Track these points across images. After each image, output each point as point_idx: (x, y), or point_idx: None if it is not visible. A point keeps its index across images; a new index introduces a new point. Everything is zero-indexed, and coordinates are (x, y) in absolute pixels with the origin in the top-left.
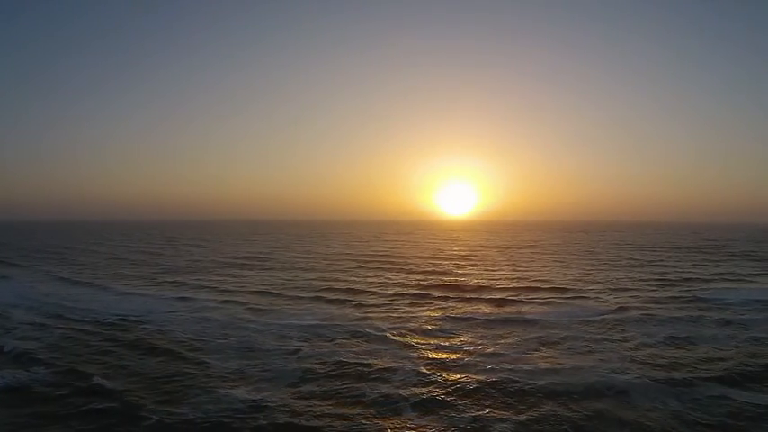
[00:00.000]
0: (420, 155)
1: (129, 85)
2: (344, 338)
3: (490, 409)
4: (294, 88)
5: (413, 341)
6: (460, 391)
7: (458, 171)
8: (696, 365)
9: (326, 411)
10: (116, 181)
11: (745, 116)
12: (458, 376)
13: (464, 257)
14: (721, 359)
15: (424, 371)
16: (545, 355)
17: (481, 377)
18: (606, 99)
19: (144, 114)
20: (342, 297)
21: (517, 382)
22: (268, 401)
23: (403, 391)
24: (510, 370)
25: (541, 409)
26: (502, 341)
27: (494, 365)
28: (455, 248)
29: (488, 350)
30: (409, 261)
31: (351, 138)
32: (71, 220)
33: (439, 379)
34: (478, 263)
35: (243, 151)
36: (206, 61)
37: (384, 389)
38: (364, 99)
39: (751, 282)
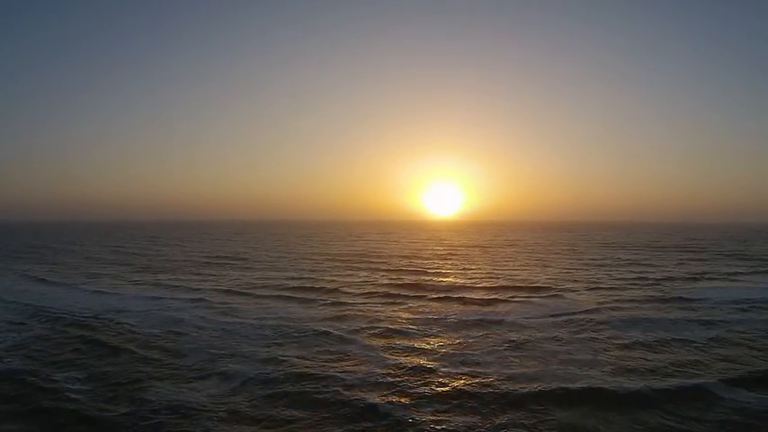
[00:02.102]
0: (406, 155)
1: (119, 86)
2: (313, 338)
3: (458, 415)
4: (283, 89)
5: (383, 342)
6: (428, 395)
7: (444, 172)
8: (676, 367)
9: (289, 414)
10: (105, 181)
11: (732, 117)
12: (427, 379)
13: (444, 257)
14: (702, 361)
15: (392, 373)
16: (518, 356)
17: (451, 380)
18: (593, 100)
19: (133, 114)
20: (315, 296)
21: (488, 385)
22: (230, 403)
23: (369, 395)
24: (481, 373)
25: (512, 415)
26: (475, 342)
27: (465, 368)
28: (437, 248)
29: (461, 351)
30: (388, 260)
31: (338, 138)
32: (59, 220)
33: (407, 382)
34: (459, 262)
35: (232, 152)
36: (196, 61)
37: (350, 392)
38: (352, 100)
39: (735, 281)
